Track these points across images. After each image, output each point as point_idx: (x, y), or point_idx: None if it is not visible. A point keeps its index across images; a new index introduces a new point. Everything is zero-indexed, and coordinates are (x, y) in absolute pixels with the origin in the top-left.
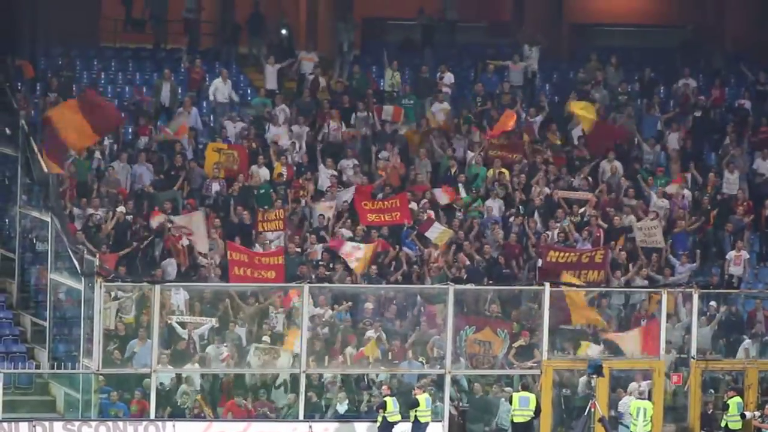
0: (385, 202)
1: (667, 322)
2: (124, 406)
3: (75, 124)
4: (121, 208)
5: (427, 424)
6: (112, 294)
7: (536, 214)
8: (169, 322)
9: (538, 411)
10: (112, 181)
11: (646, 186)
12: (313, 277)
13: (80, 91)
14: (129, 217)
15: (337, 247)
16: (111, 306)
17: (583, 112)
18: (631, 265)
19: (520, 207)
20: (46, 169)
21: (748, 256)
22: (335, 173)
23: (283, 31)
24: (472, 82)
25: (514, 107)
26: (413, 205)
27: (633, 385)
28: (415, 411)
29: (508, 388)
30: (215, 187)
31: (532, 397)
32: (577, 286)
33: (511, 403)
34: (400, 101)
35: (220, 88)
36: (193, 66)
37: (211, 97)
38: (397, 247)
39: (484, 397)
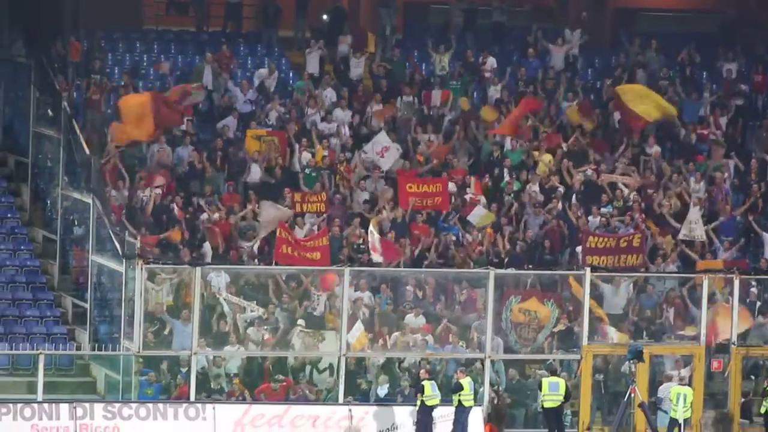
0: (429, 185)
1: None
2: (158, 386)
3: (139, 116)
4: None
5: (470, 408)
6: (170, 276)
7: (574, 198)
8: (218, 296)
9: (568, 396)
10: (160, 164)
11: (686, 171)
12: (357, 259)
13: (122, 72)
14: (168, 199)
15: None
16: (164, 288)
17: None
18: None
19: (560, 190)
20: (87, 151)
21: None
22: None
23: (324, 17)
24: (515, 67)
25: (555, 93)
26: (452, 187)
27: (673, 371)
28: (459, 395)
29: (541, 371)
30: (256, 170)
31: (561, 381)
32: (618, 272)
33: (540, 388)
34: (447, 84)
35: (265, 80)
36: (220, 50)
37: (255, 83)
38: (433, 231)
39: (523, 382)
